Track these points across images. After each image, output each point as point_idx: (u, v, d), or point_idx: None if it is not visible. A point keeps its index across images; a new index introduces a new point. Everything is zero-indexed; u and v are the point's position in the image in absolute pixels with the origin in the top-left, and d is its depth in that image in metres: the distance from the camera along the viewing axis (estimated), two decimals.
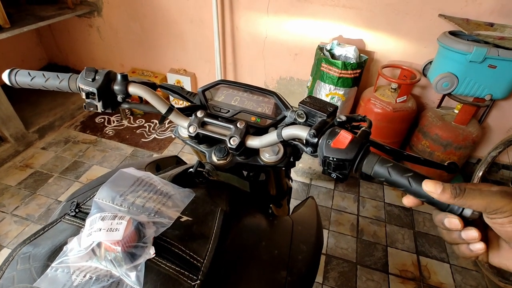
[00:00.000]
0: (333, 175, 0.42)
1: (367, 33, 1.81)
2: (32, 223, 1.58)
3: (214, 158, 0.60)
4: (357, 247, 1.58)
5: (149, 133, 2.25)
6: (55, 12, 2.10)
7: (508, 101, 1.75)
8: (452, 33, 1.55)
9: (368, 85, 1.92)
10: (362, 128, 0.44)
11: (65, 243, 0.35)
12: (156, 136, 2.23)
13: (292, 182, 0.91)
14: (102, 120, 2.36)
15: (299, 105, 0.49)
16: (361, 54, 1.74)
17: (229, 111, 0.62)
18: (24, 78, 0.56)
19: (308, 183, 1.92)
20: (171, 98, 2.38)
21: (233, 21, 2.02)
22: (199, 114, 0.57)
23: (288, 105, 0.60)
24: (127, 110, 2.40)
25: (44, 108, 2.22)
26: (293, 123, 0.52)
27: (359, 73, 1.69)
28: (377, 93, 1.75)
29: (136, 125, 2.32)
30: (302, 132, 0.46)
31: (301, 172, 1.91)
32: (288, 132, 0.48)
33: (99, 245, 0.33)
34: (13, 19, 1.85)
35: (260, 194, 0.73)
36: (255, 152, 0.60)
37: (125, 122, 2.34)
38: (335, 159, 0.40)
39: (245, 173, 0.68)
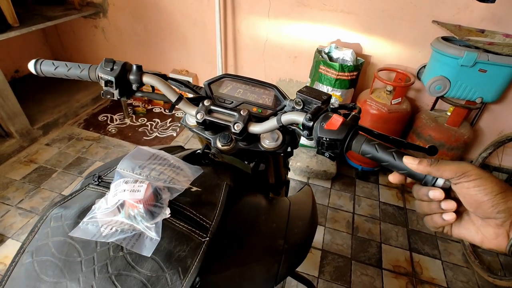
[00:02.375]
0: (326, 154, 0.48)
1: (364, 37, 1.88)
2: (36, 215, 1.62)
3: (219, 144, 0.65)
4: (352, 244, 1.63)
5: (151, 132, 2.30)
6: (62, 12, 2.17)
7: (499, 104, 1.82)
8: (444, 38, 1.62)
9: (365, 87, 1.99)
10: (352, 113, 0.49)
11: (92, 204, 0.40)
12: (158, 135, 2.28)
13: (289, 171, 0.97)
14: (105, 118, 2.41)
15: (296, 93, 0.55)
16: (358, 58, 1.80)
17: (232, 102, 0.67)
18: (49, 67, 0.62)
19: (306, 182, 1.98)
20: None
21: (235, 24, 2.09)
22: (206, 102, 0.63)
23: (287, 96, 0.66)
24: (129, 109, 2.46)
25: (49, 106, 2.28)
26: (291, 111, 0.58)
27: (356, 75, 1.75)
28: (373, 95, 1.81)
29: (138, 123, 2.38)
30: (299, 117, 0.52)
31: (299, 171, 1.96)
32: (287, 117, 0.54)
33: (122, 205, 0.38)
34: (21, 18, 1.91)
35: (260, 182, 0.78)
36: (256, 138, 0.65)
37: (127, 121, 2.39)
38: (328, 139, 0.46)
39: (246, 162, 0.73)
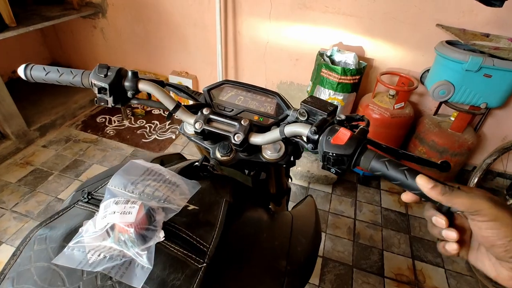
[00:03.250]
0: (332, 170, 0.45)
1: (367, 40, 1.85)
2: (31, 219, 1.58)
3: (218, 155, 0.62)
4: (354, 250, 1.60)
5: (150, 134, 2.27)
6: (60, 12, 2.14)
7: (503, 109, 1.79)
8: (449, 42, 1.59)
9: (367, 91, 1.96)
10: (360, 127, 0.46)
11: (80, 226, 0.37)
12: (157, 137, 2.25)
13: (292, 181, 0.94)
14: (103, 120, 2.38)
15: (301, 104, 0.52)
16: (360, 61, 1.77)
17: (233, 110, 0.64)
18: (39, 72, 0.59)
19: (306, 187, 1.95)
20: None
21: (236, 26, 2.06)
22: (205, 111, 0.59)
23: (290, 105, 0.63)
24: (128, 111, 2.43)
25: (46, 107, 2.24)
26: (295, 122, 0.54)
27: (358, 79, 1.72)
28: (375, 99, 1.78)
29: (137, 125, 2.35)
30: (303, 129, 0.49)
31: (299, 176, 1.93)
32: (290, 129, 0.51)
33: (112, 227, 0.35)
34: (19, 18, 1.88)
35: (261, 192, 0.75)
36: (258, 149, 0.62)
37: (126, 123, 2.36)
38: (334, 154, 0.43)
39: (246, 172, 0.70)
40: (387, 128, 1.74)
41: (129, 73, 0.58)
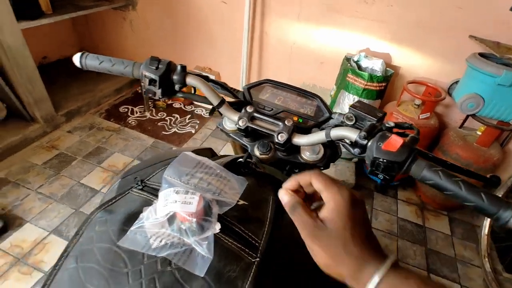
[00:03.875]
0: (380, 176, 0.45)
1: (394, 47, 1.83)
2: (55, 201, 1.64)
3: (257, 152, 0.63)
4: None
5: (170, 127, 2.31)
6: (93, 3, 2.20)
7: None
8: (481, 54, 1.55)
9: (392, 99, 1.94)
10: (411, 135, 0.46)
11: (137, 211, 0.39)
12: (177, 130, 2.28)
13: None
14: (126, 110, 2.43)
15: (349, 108, 0.52)
16: (387, 68, 1.75)
17: (272, 109, 0.65)
18: (93, 61, 0.61)
19: None
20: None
21: (263, 26, 2.07)
22: (249, 109, 0.60)
23: (330, 109, 0.63)
24: (150, 102, 2.47)
25: (73, 93, 2.31)
26: (339, 125, 0.55)
27: (384, 86, 1.71)
28: (400, 107, 1.76)
29: (158, 117, 2.39)
30: (351, 134, 0.49)
31: None
32: (337, 132, 0.51)
33: (172, 216, 0.36)
34: (54, 6, 1.94)
35: None
36: (297, 149, 0.63)
37: (147, 114, 2.40)
38: (385, 160, 0.43)
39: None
40: None
41: (178, 67, 0.59)
